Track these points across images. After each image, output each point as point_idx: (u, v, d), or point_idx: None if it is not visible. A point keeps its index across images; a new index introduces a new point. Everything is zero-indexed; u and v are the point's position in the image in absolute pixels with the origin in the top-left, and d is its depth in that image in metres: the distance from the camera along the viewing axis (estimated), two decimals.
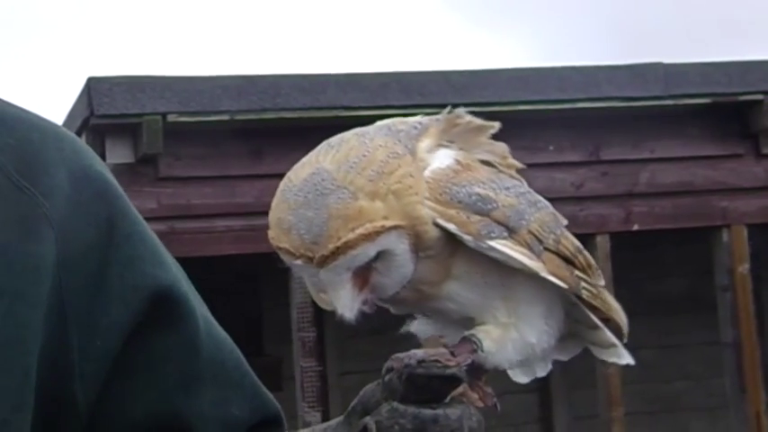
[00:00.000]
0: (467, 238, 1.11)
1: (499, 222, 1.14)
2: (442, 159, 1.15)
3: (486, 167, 1.20)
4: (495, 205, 1.14)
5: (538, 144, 5.31)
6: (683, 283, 7.04)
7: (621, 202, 5.44)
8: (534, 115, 5.17)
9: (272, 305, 6.97)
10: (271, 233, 1.10)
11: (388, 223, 1.09)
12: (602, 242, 5.27)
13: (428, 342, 1.20)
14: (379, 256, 1.10)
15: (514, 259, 1.13)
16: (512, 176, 1.23)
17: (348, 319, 1.10)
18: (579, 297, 1.22)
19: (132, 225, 1.18)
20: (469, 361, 1.13)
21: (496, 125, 1.23)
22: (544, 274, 1.15)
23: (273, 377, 6.56)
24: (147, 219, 1.22)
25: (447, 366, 1.10)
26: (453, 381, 1.11)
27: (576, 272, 1.20)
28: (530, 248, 1.15)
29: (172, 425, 1.17)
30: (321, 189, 1.10)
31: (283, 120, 5.10)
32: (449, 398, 1.12)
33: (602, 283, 1.25)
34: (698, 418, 7.15)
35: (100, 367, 1.12)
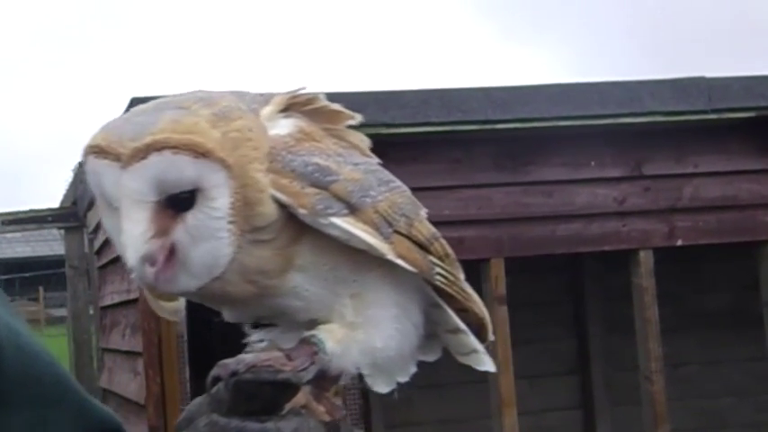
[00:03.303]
0: (301, 211, 0.99)
1: (339, 197, 1.02)
2: (284, 127, 1.05)
3: (336, 140, 1.09)
4: (335, 178, 1.03)
5: (579, 160, 5.28)
6: (729, 299, 6.97)
7: (665, 217, 5.39)
8: (575, 131, 5.15)
9: None
10: (87, 141, 0.99)
11: (220, 152, 0.96)
12: (646, 257, 5.22)
13: (267, 348, 1.06)
14: (196, 197, 0.97)
15: (357, 238, 1.02)
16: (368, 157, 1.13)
17: (130, 266, 0.95)
18: (440, 293, 1.13)
19: None
20: (308, 365, 1.00)
21: (357, 116, 1.15)
22: (391, 256, 1.04)
23: None
24: None
25: (279, 371, 0.97)
26: (288, 388, 0.98)
27: (431, 257, 1.10)
28: (376, 229, 1.04)
29: None
30: (162, 106, 1.00)
31: None
32: (287, 409, 0.99)
33: (462, 275, 1.17)
34: None
35: None
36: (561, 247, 5.21)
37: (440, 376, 6.71)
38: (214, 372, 0.98)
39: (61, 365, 1.10)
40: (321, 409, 1.05)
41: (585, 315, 6.90)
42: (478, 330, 1.20)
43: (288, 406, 1.00)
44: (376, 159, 1.14)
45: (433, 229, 1.14)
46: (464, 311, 1.18)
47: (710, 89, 5.27)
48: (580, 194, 5.27)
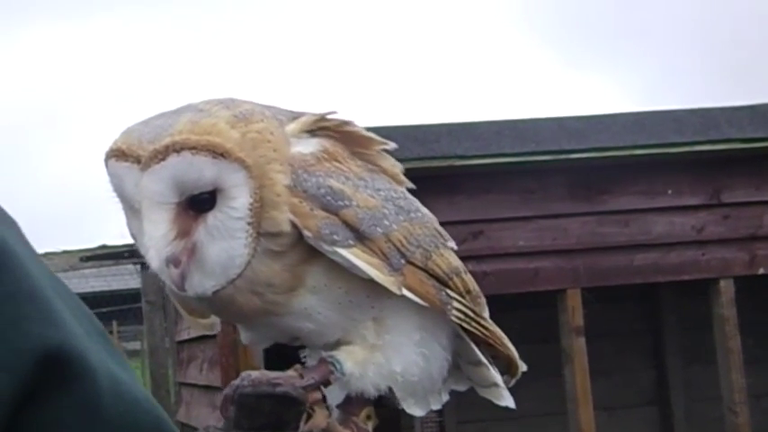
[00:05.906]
0: (306, 233, 0.99)
1: (348, 224, 1.01)
2: (307, 145, 1.04)
3: (361, 163, 1.08)
4: (347, 203, 1.02)
5: (656, 188, 5.23)
6: None
7: (745, 245, 5.31)
8: (651, 159, 5.10)
9: None
10: (109, 146, 1.00)
11: (239, 152, 0.96)
12: (726, 286, 5.14)
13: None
14: (217, 197, 0.97)
15: (359, 269, 1.00)
16: (397, 184, 1.11)
17: (153, 268, 0.96)
18: (464, 328, 1.11)
19: (18, 282, 0.99)
20: (313, 382, 0.99)
21: (391, 144, 1.14)
22: (396, 288, 1.02)
23: (392, 427, 6.56)
24: None
25: (278, 385, 0.96)
26: (292, 404, 0.97)
27: (448, 291, 1.08)
28: (385, 259, 1.02)
29: None
30: (182, 109, 1.00)
31: None
32: (302, 429, 0.97)
33: (486, 313, 1.15)
34: None
35: None
36: (638, 276, 5.15)
37: (518, 407, 6.63)
38: (225, 391, 0.98)
39: (161, 411, 1.11)
40: None
41: (664, 345, 6.80)
42: (508, 366, 1.19)
43: (305, 427, 0.99)
44: (407, 186, 1.13)
45: (457, 263, 1.12)
46: (491, 346, 1.16)
47: None
48: (657, 223, 5.21)
